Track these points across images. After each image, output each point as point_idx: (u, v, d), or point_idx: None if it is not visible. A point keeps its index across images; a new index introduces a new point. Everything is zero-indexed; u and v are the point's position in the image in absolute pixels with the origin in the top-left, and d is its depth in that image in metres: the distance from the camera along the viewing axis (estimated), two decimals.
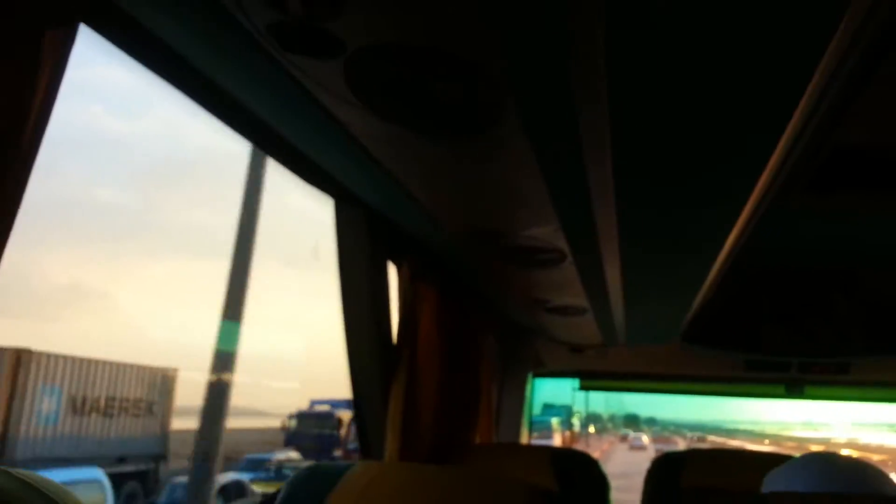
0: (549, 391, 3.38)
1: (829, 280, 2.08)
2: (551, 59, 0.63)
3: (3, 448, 9.96)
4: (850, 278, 2.06)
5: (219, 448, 8.76)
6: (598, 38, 0.58)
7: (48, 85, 0.55)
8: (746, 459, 1.57)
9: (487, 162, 0.94)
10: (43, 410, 10.78)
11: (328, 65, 0.66)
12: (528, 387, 2.73)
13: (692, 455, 1.74)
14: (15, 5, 0.52)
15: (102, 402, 12.13)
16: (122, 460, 12.25)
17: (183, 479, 11.18)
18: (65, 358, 11.38)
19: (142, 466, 12.80)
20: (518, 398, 2.57)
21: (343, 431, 17.10)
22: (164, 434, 13.71)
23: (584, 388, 3.07)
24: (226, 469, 12.42)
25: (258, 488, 12.11)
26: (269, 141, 0.97)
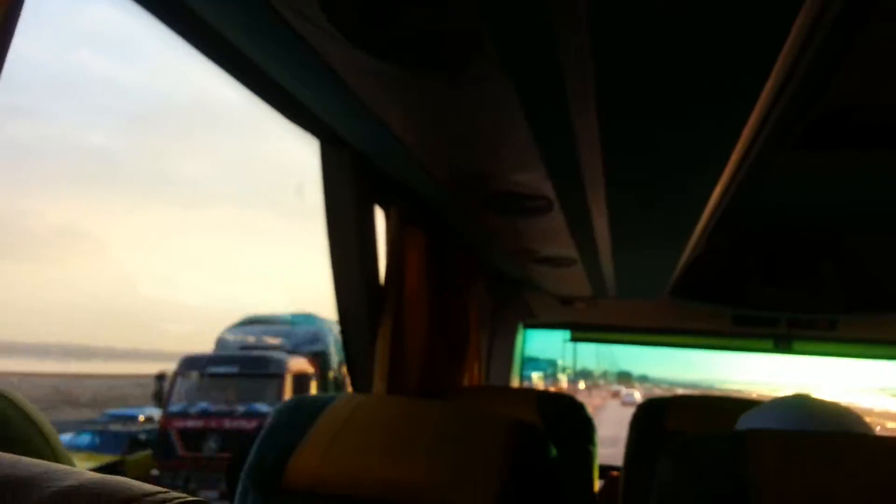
0: (539, 345, 3.39)
1: (818, 237, 2.09)
2: None
3: None
4: (839, 236, 2.06)
5: None
6: None
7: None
8: (728, 404, 1.60)
9: (471, 102, 0.94)
10: None
11: None
12: (519, 337, 2.76)
13: (676, 401, 1.77)
14: None
15: None
16: None
17: None
18: None
19: None
20: (508, 348, 2.61)
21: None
22: None
23: (574, 339, 3.11)
24: (80, 428, 10.03)
25: (80, 461, 6.62)
26: (250, 76, 0.96)
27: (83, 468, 0.39)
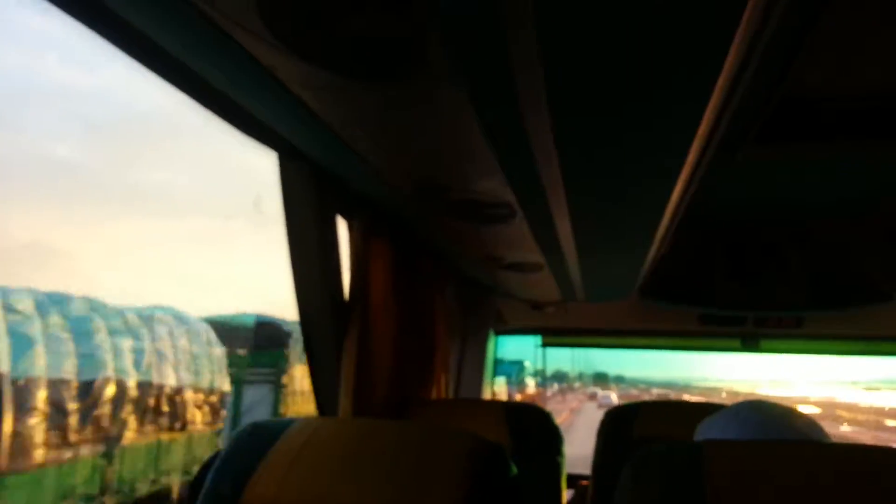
0: (508, 348, 3.39)
1: (782, 234, 2.11)
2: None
3: None
4: (802, 231, 2.09)
5: None
6: None
7: None
8: (695, 410, 1.61)
9: (424, 112, 0.92)
10: None
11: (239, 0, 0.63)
12: (491, 345, 2.75)
13: (643, 407, 1.77)
14: None
15: None
16: None
17: None
18: None
19: None
20: (479, 355, 2.59)
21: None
22: None
23: (545, 344, 3.11)
24: None
25: None
26: (201, 91, 0.94)
27: None
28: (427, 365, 1.84)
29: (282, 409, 9.85)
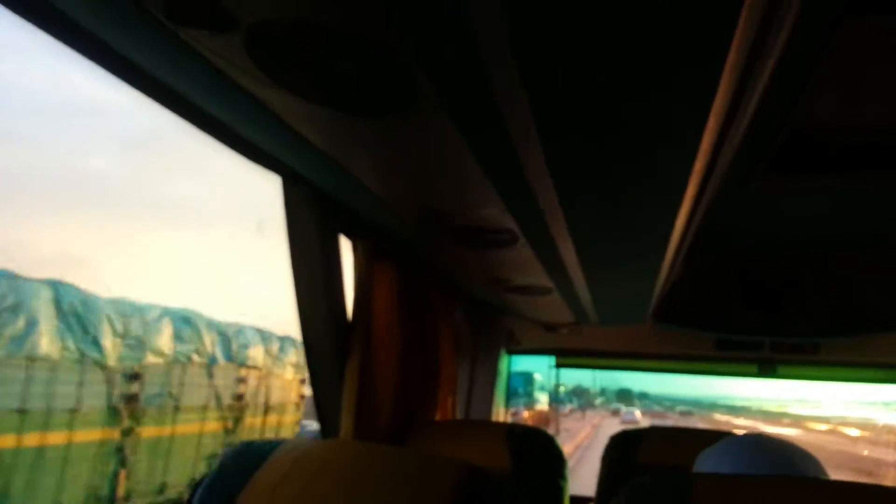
0: (521, 362, 3.35)
1: (797, 261, 2.08)
2: (456, 36, 0.61)
3: None
4: (818, 259, 2.05)
5: None
6: (502, 27, 0.56)
7: None
8: (699, 437, 1.58)
9: (422, 142, 0.93)
10: None
11: (227, 40, 0.64)
12: (503, 364, 2.73)
13: (648, 433, 1.74)
14: None
15: None
16: None
17: None
18: None
19: None
20: (490, 375, 2.58)
21: None
22: None
23: (559, 365, 3.08)
24: None
25: None
26: (205, 122, 0.95)
27: None
28: (432, 386, 1.84)
29: None
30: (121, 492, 6.53)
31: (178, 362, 7.28)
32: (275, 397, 9.18)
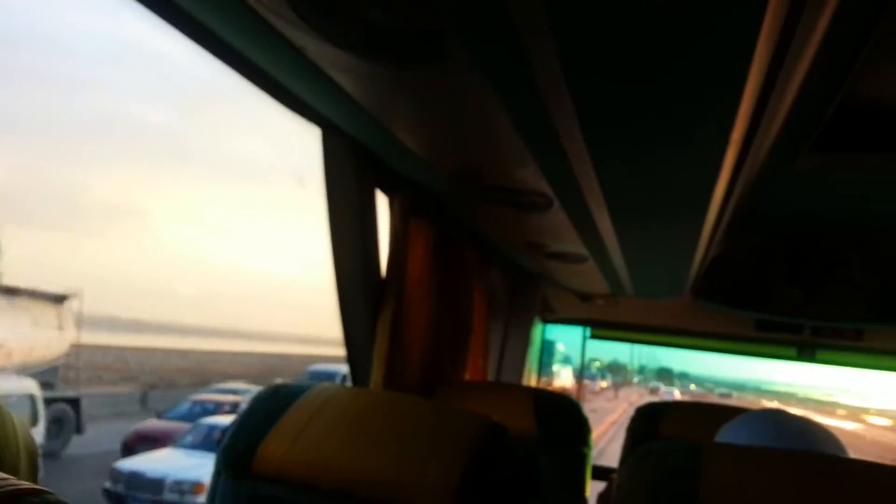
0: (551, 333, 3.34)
1: (844, 242, 2.02)
2: None
3: None
4: (866, 241, 1.99)
5: None
6: None
7: None
8: (722, 412, 1.57)
9: (457, 99, 0.93)
10: None
11: None
12: (536, 332, 2.74)
13: (673, 406, 1.74)
14: None
15: None
16: None
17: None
18: None
19: None
20: (522, 341, 2.59)
21: None
22: None
23: (594, 336, 3.08)
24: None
25: None
26: (246, 70, 0.98)
27: None
28: (462, 345, 1.86)
29: None
30: None
31: None
32: None
